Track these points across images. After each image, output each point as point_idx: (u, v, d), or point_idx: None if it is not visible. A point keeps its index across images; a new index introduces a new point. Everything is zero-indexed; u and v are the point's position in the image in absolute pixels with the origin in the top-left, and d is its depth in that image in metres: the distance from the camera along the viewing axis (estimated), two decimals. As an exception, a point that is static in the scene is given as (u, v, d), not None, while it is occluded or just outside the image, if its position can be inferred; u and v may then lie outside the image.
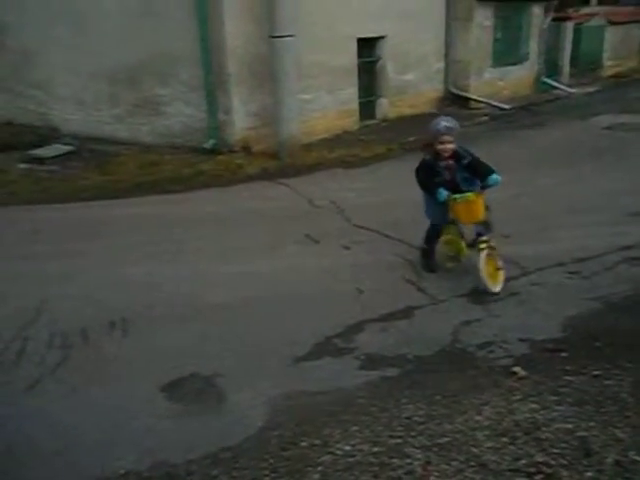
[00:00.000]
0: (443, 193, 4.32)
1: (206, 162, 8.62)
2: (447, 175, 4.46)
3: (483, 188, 4.37)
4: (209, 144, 9.04)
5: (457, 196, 4.35)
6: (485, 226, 4.51)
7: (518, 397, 3.26)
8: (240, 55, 8.70)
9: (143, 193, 7.66)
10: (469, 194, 4.35)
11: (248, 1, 8.51)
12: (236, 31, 8.55)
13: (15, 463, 2.97)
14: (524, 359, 3.63)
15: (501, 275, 4.53)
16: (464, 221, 4.54)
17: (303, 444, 2.97)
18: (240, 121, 8.99)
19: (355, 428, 3.07)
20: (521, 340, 3.84)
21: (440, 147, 4.40)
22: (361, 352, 3.78)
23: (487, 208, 4.47)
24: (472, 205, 4.35)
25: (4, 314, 4.40)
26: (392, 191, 7.32)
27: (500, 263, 4.53)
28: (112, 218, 6.74)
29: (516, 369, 3.52)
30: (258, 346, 3.88)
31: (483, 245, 4.41)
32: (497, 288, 4.44)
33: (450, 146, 4.40)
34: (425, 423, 3.09)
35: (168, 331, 4.14)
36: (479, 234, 4.46)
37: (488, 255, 4.42)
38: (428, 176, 4.50)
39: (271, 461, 2.88)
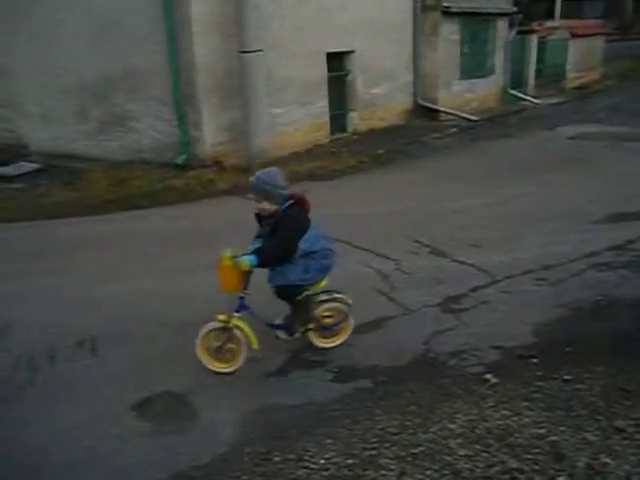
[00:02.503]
0: (254, 244, 3.67)
1: (177, 177, 8.57)
2: (264, 233, 3.67)
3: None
4: (180, 159, 8.99)
5: (222, 253, 3.53)
6: (240, 304, 3.62)
7: (490, 404, 3.28)
8: (209, 70, 8.70)
9: (113, 210, 7.57)
10: (222, 256, 3.49)
11: (217, 16, 8.54)
12: (205, 46, 8.56)
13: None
14: (496, 366, 3.66)
15: (234, 361, 3.68)
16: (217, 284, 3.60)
17: (277, 459, 2.94)
18: (211, 136, 8.97)
19: (329, 441, 3.05)
20: (492, 347, 3.87)
21: None
22: (333, 365, 3.76)
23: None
24: (219, 269, 3.51)
25: (-32, 336, 4.28)
26: (363, 203, 7.38)
27: (239, 357, 3.66)
28: (81, 236, 6.64)
29: (488, 376, 3.54)
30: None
31: (220, 317, 3.61)
32: (221, 369, 3.68)
33: (261, 206, 3.55)
34: (399, 433, 3.08)
35: (138, 348, 4.07)
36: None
37: (215, 336, 3.64)
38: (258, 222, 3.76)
39: (244, 478, 2.83)
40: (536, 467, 2.77)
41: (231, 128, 9.11)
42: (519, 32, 15.85)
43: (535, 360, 3.71)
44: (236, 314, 3.61)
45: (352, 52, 11.29)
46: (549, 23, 20.48)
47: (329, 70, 10.80)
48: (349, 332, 3.95)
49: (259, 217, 3.70)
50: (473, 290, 4.72)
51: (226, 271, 3.49)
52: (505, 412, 3.19)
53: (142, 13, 8.69)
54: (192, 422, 3.29)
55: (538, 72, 17.04)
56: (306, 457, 2.95)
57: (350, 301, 3.85)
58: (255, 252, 3.47)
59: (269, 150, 9.03)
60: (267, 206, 3.54)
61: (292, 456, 2.96)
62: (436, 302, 4.53)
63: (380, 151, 10.19)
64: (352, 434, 3.10)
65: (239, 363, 3.68)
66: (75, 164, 9.86)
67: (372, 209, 7.07)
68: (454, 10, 12.82)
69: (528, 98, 15.68)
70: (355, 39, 11.14)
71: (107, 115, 9.94)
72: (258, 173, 3.59)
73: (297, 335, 3.86)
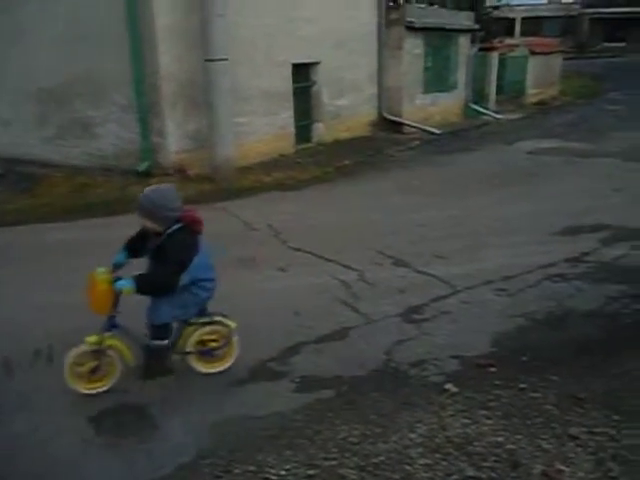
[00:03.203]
0: (121, 254, 3.51)
1: (139, 185, 8.41)
2: (149, 249, 3.49)
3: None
4: (143, 167, 8.88)
5: (96, 273, 3.36)
6: (111, 325, 3.46)
7: (450, 413, 3.33)
8: (174, 78, 8.65)
9: (72, 217, 7.42)
10: (96, 277, 3.32)
11: (182, 24, 8.50)
12: (169, 53, 8.51)
13: None
14: (455, 375, 3.72)
15: (107, 380, 3.54)
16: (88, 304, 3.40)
17: (236, 471, 2.92)
18: (174, 144, 8.90)
19: (290, 452, 3.04)
20: (452, 357, 3.94)
21: None
22: (296, 375, 3.76)
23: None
24: (93, 291, 3.34)
25: None
26: (327, 213, 7.43)
27: (113, 376, 3.54)
28: (38, 243, 6.48)
29: (448, 386, 3.59)
30: (191, 372, 3.79)
31: (90, 340, 3.43)
32: (93, 390, 3.51)
33: (144, 224, 3.40)
34: (360, 443, 3.10)
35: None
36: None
37: (87, 359, 3.47)
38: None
39: (203, 490, 2.81)
40: (493, 475, 2.83)
41: (195, 137, 9.05)
42: (481, 49, 16.28)
43: (493, 369, 3.78)
44: (107, 333, 3.45)
45: (317, 63, 11.38)
46: (509, 40, 21.10)
47: (294, 81, 10.86)
48: (234, 356, 3.74)
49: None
50: (434, 300, 4.80)
51: (100, 293, 3.30)
52: (464, 421, 3.25)
53: (106, 19, 8.58)
54: (151, 434, 3.24)
55: (499, 88, 17.49)
56: (266, 468, 2.94)
57: (233, 324, 3.67)
58: (136, 278, 3.29)
59: (234, 159, 9.00)
60: (150, 225, 3.35)
61: (252, 467, 2.94)
62: (398, 312, 4.58)
63: (345, 162, 10.28)
64: (313, 444, 3.10)
65: (113, 381, 3.56)
66: (35, 170, 9.63)
67: (336, 220, 7.12)
68: (417, 25, 13.06)
69: (489, 113, 16.07)
70: (321, 51, 11.24)
71: (68, 121, 9.76)
72: (146, 191, 3.34)
73: (175, 358, 3.67)
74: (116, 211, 7.58)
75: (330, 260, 5.72)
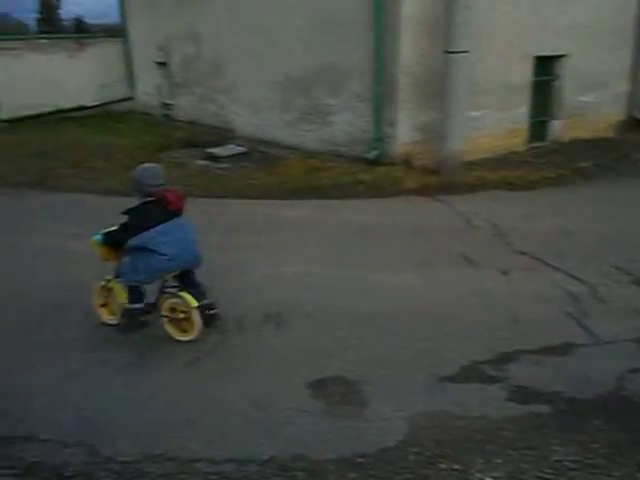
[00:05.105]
0: None
1: (366, 172, 8.77)
2: None
3: None
4: (371, 155, 9.19)
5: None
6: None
7: (692, 460, 2.90)
8: (412, 69, 8.74)
9: (305, 196, 7.99)
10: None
11: (424, 16, 8.53)
12: (410, 45, 8.61)
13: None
14: (702, 420, 3.22)
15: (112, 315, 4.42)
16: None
17: (442, 466, 2.90)
18: (404, 134, 9.02)
19: (499, 460, 2.93)
20: (700, 398, 3.41)
21: None
22: (511, 383, 3.59)
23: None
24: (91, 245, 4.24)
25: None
26: (559, 219, 6.88)
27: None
28: (275, 217, 7.12)
29: (691, 429, 3.13)
30: (404, 359, 3.86)
31: (101, 280, 4.39)
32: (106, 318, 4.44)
33: None
34: (578, 470, 2.86)
35: (317, 331, 4.27)
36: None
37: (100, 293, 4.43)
38: None
39: (407, 476, 2.85)
40: None
41: (425, 128, 9.06)
42: None
43: None
44: (114, 279, 4.24)
45: (563, 56, 10.55)
46: None
47: (535, 74, 10.23)
48: (196, 332, 4.08)
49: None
50: (681, 329, 4.19)
51: (95, 247, 4.17)
52: None
53: (353, 12, 9.00)
54: (361, 410, 3.37)
55: None
56: (472, 471, 2.88)
57: (193, 304, 3.99)
58: (104, 233, 4.09)
59: (461, 153, 8.83)
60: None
61: (458, 466, 2.91)
62: (635, 336, 4.09)
63: (582, 164, 9.41)
64: (524, 459, 2.95)
65: (117, 315, 4.30)
66: (274, 150, 10.59)
67: (567, 226, 6.56)
68: (692, 14, 11.34)
69: None
70: (567, 43, 10.38)
71: (308, 107, 10.49)
72: (138, 167, 3.99)
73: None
74: (346, 195, 7.98)
75: (557, 268, 5.32)
